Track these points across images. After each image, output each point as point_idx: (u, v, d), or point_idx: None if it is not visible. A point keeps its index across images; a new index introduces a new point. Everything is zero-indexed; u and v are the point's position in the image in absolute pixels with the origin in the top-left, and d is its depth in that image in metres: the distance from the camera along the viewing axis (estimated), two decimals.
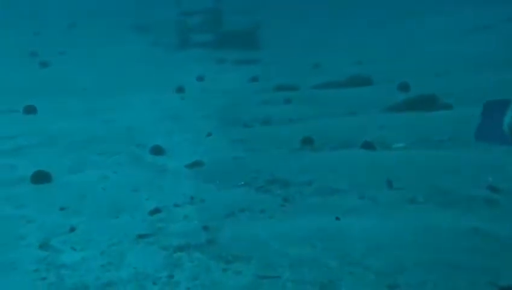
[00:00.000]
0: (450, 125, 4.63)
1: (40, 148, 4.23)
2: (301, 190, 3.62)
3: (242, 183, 3.92)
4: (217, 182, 3.92)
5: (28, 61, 8.14)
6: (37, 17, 12.29)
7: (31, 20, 12.24)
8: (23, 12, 12.52)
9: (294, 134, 4.99)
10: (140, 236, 2.88)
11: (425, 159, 3.78)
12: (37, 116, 5.32)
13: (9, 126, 4.82)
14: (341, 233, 2.59)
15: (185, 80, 7.34)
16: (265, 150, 4.73)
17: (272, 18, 11.74)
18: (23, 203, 3.13)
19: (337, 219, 2.87)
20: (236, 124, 5.55)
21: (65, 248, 2.60)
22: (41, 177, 3.42)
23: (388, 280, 2.17)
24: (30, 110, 5.34)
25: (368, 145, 4.26)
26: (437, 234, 2.49)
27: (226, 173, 4.07)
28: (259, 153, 4.66)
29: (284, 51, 10.45)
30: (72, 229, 2.85)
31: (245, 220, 3.16)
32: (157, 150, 4.49)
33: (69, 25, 12.31)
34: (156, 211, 3.30)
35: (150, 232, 2.94)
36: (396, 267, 2.25)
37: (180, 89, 6.85)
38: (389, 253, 2.35)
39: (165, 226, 3.04)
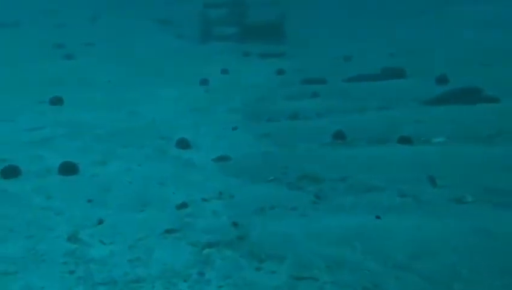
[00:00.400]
0: (498, 119, 4.37)
1: (67, 140, 4.26)
2: (334, 187, 3.49)
3: (271, 178, 3.83)
4: (244, 177, 3.84)
5: (53, 53, 8.27)
6: (61, 9, 12.54)
7: (55, 12, 12.51)
8: (46, 4, 12.81)
9: (323, 128, 4.85)
10: (168, 231, 2.83)
11: (471, 155, 3.57)
12: (63, 107, 5.37)
13: (37, 117, 4.89)
14: (382, 233, 2.45)
15: (209, 73, 7.28)
16: (293, 145, 4.61)
17: (299, 9, 11.52)
18: (51, 195, 3.15)
19: (378, 217, 2.72)
20: (262, 118, 5.45)
21: (93, 241, 2.58)
22: (68, 169, 3.44)
23: (443, 288, 2.02)
24: (57, 101, 5.41)
25: (405, 140, 4.07)
26: (492, 238, 2.31)
27: (254, 167, 3.98)
28: (287, 148, 4.54)
29: (311, 44, 10.24)
30: (100, 222, 2.84)
31: (276, 217, 3.06)
32: (183, 143, 4.45)
33: (93, 17, 12.51)
34: (183, 205, 3.25)
35: (178, 227, 2.88)
36: (451, 274, 2.10)
37: (204, 82, 6.80)
38: (439, 257, 2.20)
39: (193, 222, 2.98)
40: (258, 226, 2.93)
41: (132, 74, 7.14)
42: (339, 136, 4.59)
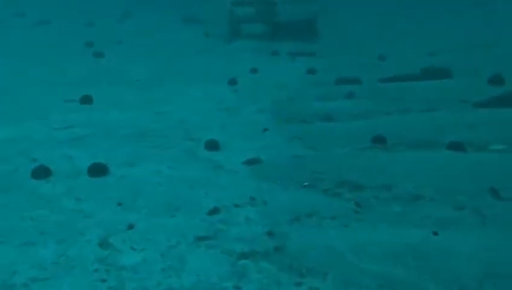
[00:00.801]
0: None
1: (96, 140, 4.27)
2: (377, 195, 3.30)
3: (305, 184, 3.68)
4: (277, 182, 3.72)
5: (83, 52, 8.43)
6: (90, 7, 12.84)
7: (84, 10, 12.82)
8: (76, 2, 13.14)
9: (360, 131, 4.66)
10: (200, 238, 2.74)
11: None
12: (93, 106, 5.42)
13: (67, 116, 4.94)
14: (441, 252, 2.26)
15: (237, 72, 7.20)
16: (328, 149, 4.44)
17: (330, 6, 11.29)
18: (81, 197, 3.14)
19: (435, 233, 2.53)
20: (293, 119, 5.30)
21: (125, 248, 2.53)
22: (98, 170, 3.43)
23: None
24: (86, 100, 5.47)
25: (456, 146, 3.82)
26: None
27: (286, 172, 3.85)
28: (321, 152, 4.38)
29: (344, 42, 9.98)
30: (130, 227, 2.78)
31: (314, 227, 2.92)
32: (212, 145, 4.37)
33: (122, 16, 12.74)
34: (215, 211, 3.15)
35: (210, 234, 2.79)
36: None
37: (232, 81, 6.72)
38: None
39: (225, 229, 2.89)
40: (296, 236, 2.80)
41: (160, 72, 7.16)
42: (379, 139, 4.35)
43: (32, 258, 2.40)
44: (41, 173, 3.37)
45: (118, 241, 2.57)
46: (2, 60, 7.46)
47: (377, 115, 5.22)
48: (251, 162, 4.15)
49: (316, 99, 6.10)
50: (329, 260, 2.41)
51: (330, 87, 6.64)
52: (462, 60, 7.11)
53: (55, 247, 2.51)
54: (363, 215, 3.04)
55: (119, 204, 3.07)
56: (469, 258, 2.14)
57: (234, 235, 2.80)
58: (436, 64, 6.95)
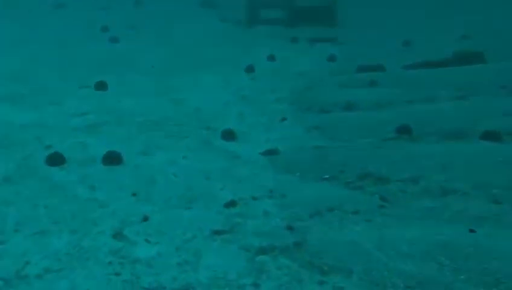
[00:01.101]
0: None
1: (110, 127, 4.24)
2: (404, 188, 3.16)
3: (327, 176, 3.56)
4: (296, 174, 3.61)
5: (98, 37, 8.42)
6: None
7: None
8: None
9: (384, 121, 4.48)
10: (217, 232, 2.67)
11: None
12: (108, 92, 5.39)
13: (81, 102, 4.92)
14: (480, 251, 2.12)
15: (254, 59, 7.06)
16: (349, 139, 4.30)
17: None
18: (95, 186, 3.11)
19: (472, 231, 2.38)
20: (312, 108, 5.15)
21: (139, 240, 2.47)
22: (112, 159, 3.39)
23: None
24: (101, 86, 5.44)
25: (491, 136, 3.61)
26: None
27: (306, 163, 3.73)
28: (342, 142, 4.24)
29: (366, 27, 9.66)
30: (145, 219, 2.73)
31: (336, 221, 2.81)
32: (229, 135, 4.29)
33: (137, 0, 12.70)
34: (232, 203, 3.08)
35: (227, 228, 2.72)
36: None
37: (249, 69, 6.59)
38: None
39: (242, 222, 2.81)
40: (316, 232, 2.70)
41: (176, 58, 7.09)
42: (404, 130, 4.16)
43: (45, 248, 2.38)
44: (56, 160, 3.35)
45: (132, 234, 2.52)
46: (19, 44, 7.51)
47: (402, 104, 5.00)
48: (269, 152, 4.04)
49: (337, 88, 5.92)
50: (353, 257, 2.30)
51: (351, 75, 6.43)
52: (498, 44, 6.71)
53: (68, 237, 2.48)
54: (389, 210, 2.90)
55: (134, 194, 3.02)
56: (510, 258, 2.00)
57: (252, 229, 2.71)
58: (468, 48, 6.61)
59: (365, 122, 4.55)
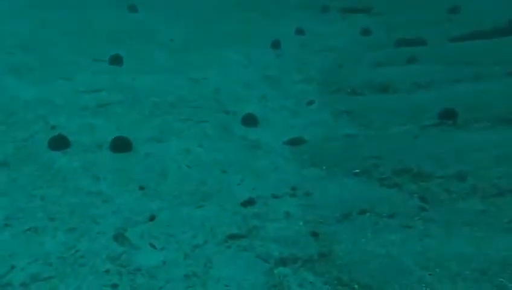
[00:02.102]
0: None
1: (122, 108, 3.96)
2: (448, 187, 2.79)
3: (357, 171, 3.22)
4: (323, 167, 3.29)
5: (116, 4, 7.97)
6: None
7: None
8: None
9: (425, 105, 4.04)
10: (231, 237, 2.41)
11: None
12: (123, 68, 5.06)
13: (94, 78, 4.63)
14: None
15: (281, 33, 6.60)
16: (383, 127, 3.90)
17: None
18: (100, 176, 2.87)
19: None
20: (342, 90, 4.73)
21: (143, 244, 2.24)
22: (121, 145, 3.13)
23: None
24: (116, 60, 5.12)
25: None
26: None
27: (334, 155, 3.39)
28: (376, 131, 3.85)
29: None
30: (152, 218, 2.49)
31: (368, 227, 2.49)
32: (250, 120, 3.96)
33: None
34: (250, 202, 2.80)
35: (243, 232, 2.45)
36: None
37: (275, 44, 6.16)
38: None
39: (261, 225, 2.53)
40: (345, 239, 2.40)
41: (197, 31, 6.70)
42: (448, 115, 3.70)
43: (36, 249, 2.17)
44: (59, 143, 3.11)
45: (136, 236, 2.29)
46: (31, 7, 7.28)
47: (446, 84, 4.46)
48: (293, 142, 3.71)
49: (371, 66, 5.41)
50: (389, 274, 2.00)
51: (388, 50, 5.85)
52: None
53: (64, 237, 2.26)
54: (432, 214, 2.55)
55: (142, 188, 2.77)
56: None
57: (271, 235, 2.44)
58: None
59: (402, 107, 4.11)
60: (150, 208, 2.56)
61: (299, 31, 6.90)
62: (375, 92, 4.67)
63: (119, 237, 2.26)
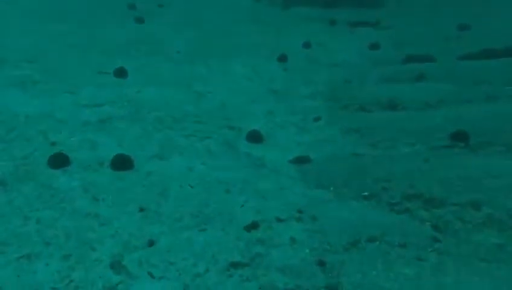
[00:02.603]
0: None
1: (125, 123, 3.87)
2: (462, 216, 2.65)
3: (366, 194, 3.08)
4: (330, 189, 3.15)
5: (124, 15, 8.04)
6: None
7: None
8: None
9: (435, 124, 3.90)
10: (234, 265, 2.28)
11: None
12: (127, 80, 4.99)
13: (98, 92, 4.55)
14: None
15: (288, 46, 6.52)
16: (392, 147, 3.76)
17: None
18: (99, 196, 2.76)
19: None
20: (351, 106, 4.61)
21: (141, 273, 2.11)
22: (122, 163, 3.03)
23: None
24: (121, 73, 5.06)
25: None
26: None
27: (342, 176, 3.26)
28: (385, 150, 3.72)
29: (413, 9, 8.83)
30: (151, 243, 2.36)
31: (378, 257, 2.35)
32: (255, 137, 3.85)
33: None
34: (253, 226, 2.67)
35: (246, 259, 2.32)
36: None
37: (282, 58, 6.08)
38: None
39: (265, 253, 2.40)
40: (353, 270, 2.26)
41: (204, 43, 6.64)
42: (460, 136, 3.56)
43: (27, 279, 2.04)
44: (59, 161, 3.01)
45: (134, 263, 2.16)
46: (39, 21, 7.26)
47: (456, 103, 4.35)
48: (299, 160, 3.59)
49: (379, 82, 5.30)
50: None
51: (396, 66, 5.75)
52: None
53: (58, 265, 2.14)
54: (445, 246, 2.41)
55: (142, 209, 2.65)
56: None
57: (275, 263, 2.31)
58: None
59: (411, 126, 3.98)
60: (149, 232, 2.44)
61: (307, 45, 6.82)
62: (384, 109, 4.54)
63: (116, 265, 2.14)
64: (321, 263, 2.35)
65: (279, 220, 2.73)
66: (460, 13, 8.14)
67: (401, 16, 8.37)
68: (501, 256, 2.26)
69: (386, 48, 6.57)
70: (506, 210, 2.59)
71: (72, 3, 8.42)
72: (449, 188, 2.88)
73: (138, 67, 5.33)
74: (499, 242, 2.38)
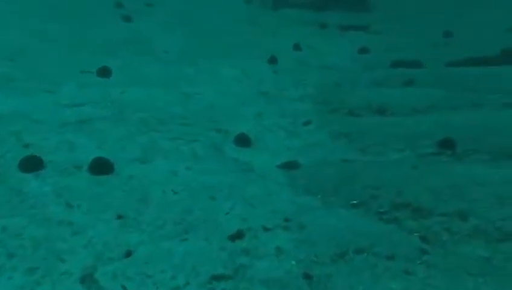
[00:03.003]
0: None
1: (107, 123, 3.67)
2: (449, 226, 2.57)
3: (355, 202, 2.98)
4: (318, 196, 3.04)
5: (111, 14, 7.77)
6: None
7: None
8: None
9: (423, 131, 3.84)
10: (216, 278, 2.14)
11: None
12: (111, 80, 4.77)
13: (79, 91, 4.32)
14: None
15: (279, 48, 6.40)
16: (382, 152, 3.67)
17: None
18: (74, 202, 2.56)
19: None
20: (340, 110, 4.52)
21: (115, 287, 1.93)
22: (101, 167, 2.84)
23: None
24: (104, 72, 4.82)
25: None
26: None
27: (331, 182, 3.15)
28: (374, 156, 3.63)
29: (400, 13, 8.79)
30: (128, 254, 2.19)
31: (366, 270, 2.24)
32: (243, 140, 3.72)
33: None
34: (238, 235, 2.54)
35: (229, 272, 2.18)
36: None
37: (272, 60, 5.95)
38: None
39: (249, 264, 2.26)
40: (342, 285, 2.14)
41: (192, 43, 6.46)
42: (447, 144, 3.52)
43: None
44: (31, 164, 2.79)
45: (107, 277, 1.99)
46: (22, 16, 6.96)
47: (443, 110, 4.32)
48: (288, 165, 3.46)
49: (368, 86, 5.23)
50: None
51: (386, 70, 5.70)
52: None
53: (21, 279, 1.94)
54: (433, 258, 2.31)
55: (120, 217, 2.47)
56: None
57: (260, 276, 2.17)
58: None
59: (400, 131, 3.91)
60: (126, 241, 2.27)
61: (297, 47, 6.71)
62: (373, 114, 4.48)
63: (87, 279, 1.96)
64: (307, 276, 2.22)
65: (265, 229, 2.59)
66: (445, 18, 8.17)
67: (389, 21, 8.34)
68: (488, 270, 2.17)
69: (376, 52, 6.51)
70: (491, 222, 2.52)
71: (56, 0, 8.15)
72: (437, 197, 2.81)
73: (123, 66, 5.13)
74: (486, 255, 2.30)
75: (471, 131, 3.73)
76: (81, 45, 5.69)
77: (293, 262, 2.32)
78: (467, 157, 3.44)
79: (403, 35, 7.42)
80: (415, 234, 2.58)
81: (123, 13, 7.51)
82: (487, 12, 8.37)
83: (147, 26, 7.03)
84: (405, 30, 7.74)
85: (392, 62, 5.89)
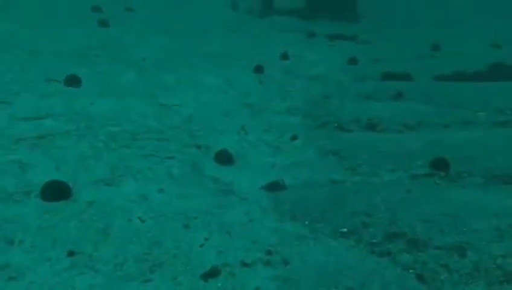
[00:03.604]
0: None
1: (70, 140, 3.28)
2: (447, 263, 2.32)
3: (345, 230, 2.70)
4: (305, 223, 2.74)
5: (86, 18, 7.34)
6: None
7: None
8: None
9: (415, 149, 3.63)
10: None
11: None
12: (80, 90, 4.36)
13: (41, 102, 3.89)
14: None
15: (265, 57, 6.12)
16: (373, 172, 3.41)
17: None
18: (15, 238, 2.15)
19: None
20: (329, 124, 4.25)
21: None
22: (55, 192, 2.43)
23: None
24: (73, 81, 4.42)
25: None
26: None
27: (319, 206, 2.85)
28: (365, 177, 3.35)
29: (388, 23, 8.62)
30: None
31: None
32: (224, 157, 3.40)
33: None
34: (213, 273, 2.21)
35: None
36: None
37: (258, 69, 5.66)
38: None
39: None
40: None
41: (174, 51, 6.12)
42: (440, 164, 3.32)
43: None
44: None
45: None
46: None
47: (434, 127, 4.15)
48: (272, 187, 3.16)
49: (358, 99, 4.99)
50: None
51: (375, 83, 5.49)
52: None
53: None
54: None
55: (71, 253, 2.09)
56: None
57: None
58: (504, 59, 5.69)
59: (391, 149, 3.67)
60: (76, 286, 1.89)
61: (284, 56, 6.44)
62: (363, 129, 4.23)
63: None
64: None
65: (244, 264, 2.27)
66: (432, 30, 8.05)
67: (377, 31, 8.18)
68: None
69: (364, 63, 6.30)
70: (492, 258, 2.27)
71: (27, 1, 7.67)
72: (432, 227, 2.57)
73: (95, 75, 4.73)
74: None
75: (462, 150, 3.55)
76: (50, 50, 5.25)
77: None
78: (461, 179, 3.23)
79: (391, 46, 7.28)
80: (411, 270, 2.32)
81: (100, 18, 7.11)
82: (473, 28, 8.31)
83: (125, 32, 6.64)
84: (393, 41, 7.60)
85: (381, 74, 5.71)
